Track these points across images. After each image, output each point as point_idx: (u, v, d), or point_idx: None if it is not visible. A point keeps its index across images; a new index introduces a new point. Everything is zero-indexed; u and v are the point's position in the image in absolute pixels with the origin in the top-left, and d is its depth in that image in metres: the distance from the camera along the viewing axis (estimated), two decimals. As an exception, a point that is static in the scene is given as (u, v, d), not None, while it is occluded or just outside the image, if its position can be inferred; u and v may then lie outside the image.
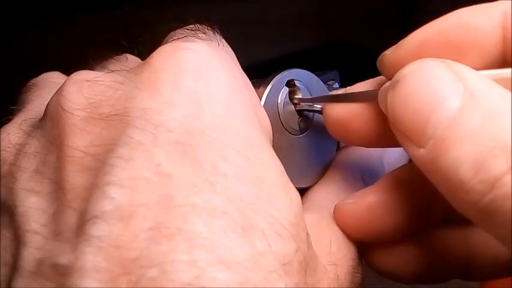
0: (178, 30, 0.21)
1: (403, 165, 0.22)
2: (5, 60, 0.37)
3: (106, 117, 0.18)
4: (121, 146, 0.17)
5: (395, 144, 0.19)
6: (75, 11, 0.37)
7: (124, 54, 0.23)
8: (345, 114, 0.22)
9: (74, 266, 0.16)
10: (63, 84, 0.19)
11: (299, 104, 0.25)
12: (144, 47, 0.21)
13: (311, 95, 0.25)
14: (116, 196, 0.16)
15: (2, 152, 0.20)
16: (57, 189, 0.17)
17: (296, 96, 0.25)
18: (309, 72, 0.26)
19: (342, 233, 0.22)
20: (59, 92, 0.19)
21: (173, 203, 0.16)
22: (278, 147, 0.22)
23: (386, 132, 0.20)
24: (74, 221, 0.16)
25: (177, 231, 0.16)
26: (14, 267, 0.17)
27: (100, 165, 0.17)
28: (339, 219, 0.22)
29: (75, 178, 0.17)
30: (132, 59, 0.23)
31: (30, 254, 0.17)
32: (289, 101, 0.25)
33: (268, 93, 0.24)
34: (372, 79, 0.23)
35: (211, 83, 0.19)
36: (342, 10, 0.45)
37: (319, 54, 0.43)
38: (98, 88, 0.19)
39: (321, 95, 0.26)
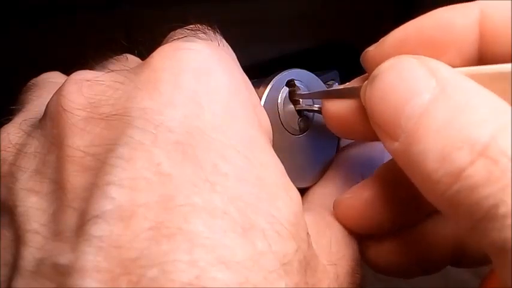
0: (179, 30, 0.22)
1: None
2: (5, 60, 0.36)
3: (106, 117, 0.18)
4: (121, 145, 0.17)
5: None
6: (75, 11, 0.37)
7: (124, 54, 0.23)
8: (344, 109, 0.22)
9: (74, 266, 0.16)
10: (63, 84, 0.19)
11: (299, 103, 0.25)
12: (144, 47, 0.21)
13: (311, 95, 0.25)
14: (116, 196, 0.16)
15: (2, 152, 0.20)
16: (57, 189, 0.17)
17: (296, 92, 0.25)
18: (309, 72, 0.26)
19: (342, 233, 0.22)
20: (59, 92, 0.19)
21: (173, 203, 0.16)
22: (278, 147, 0.22)
23: None
24: (74, 221, 0.16)
25: (178, 231, 0.16)
26: (14, 267, 0.17)
27: (100, 165, 0.17)
28: (338, 213, 0.23)
29: (75, 178, 0.17)
30: (132, 59, 0.23)
31: (31, 254, 0.17)
32: (289, 101, 0.25)
33: (268, 93, 0.24)
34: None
35: (211, 83, 0.19)
36: (342, 10, 0.45)
37: (319, 54, 0.43)
38: (98, 88, 0.19)
39: None
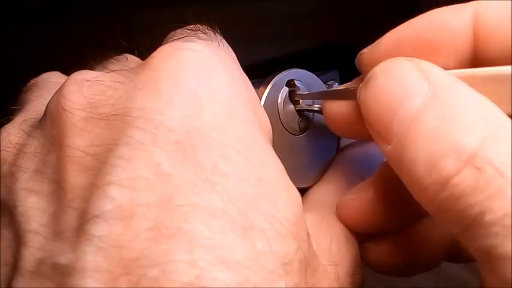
0: (179, 30, 0.22)
1: None
2: (5, 60, 0.36)
3: (106, 117, 0.18)
4: (121, 145, 0.17)
5: None
6: (75, 11, 0.37)
7: (124, 55, 0.23)
8: (344, 109, 0.22)
9: (75, 266, 0.16)
10: (63, 84, 0.19)
11: (299, 103, 0.25)
12: (145, 47, 0.21)
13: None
14: (116, 196, 0.16)
15: (2, 152, 0.20)
16: (57, 189, 0.17)
17: (296, 92, 0.25)
18: (309, 72, 0.26)
19: (342, 233, 0.22)
20: (59, 92, 0.19)
21: (173, 203, 0.16)
22: (278, 147, 0.22)
23: None
24: (74, 220, 0.16)
25: (178, 231, 0.16)
26: (15, 267, 0.17)
27: (100, 165, 0.17)
28: (342, 215, 0.23)
29: (75, 178, 0.17)
30: (132, 59, 0.23)
31: (31, 254, 0.17)
32: (289, 101, 0.25)
33: (268, 93, 0.24)
34: None
35: (211, 83, 0.19)
36: (342, 10, 0.45)
37: (319, 54, 0.43)
38: (98, 88, 0.19)
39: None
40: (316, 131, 0.26)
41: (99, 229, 0.16)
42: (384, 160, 0.23)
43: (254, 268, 0.16)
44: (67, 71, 0.22)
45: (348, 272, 0.21)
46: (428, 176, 0.16)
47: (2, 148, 0.20)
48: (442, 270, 0.24)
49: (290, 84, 0.25)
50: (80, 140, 0.18)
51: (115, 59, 0.23)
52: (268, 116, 0.22)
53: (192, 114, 0.18)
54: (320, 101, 0.24)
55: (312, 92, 0.25)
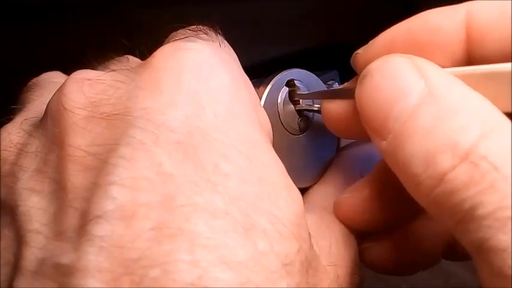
0: (180, 31, 0.22)
1: None
2: (5, 60, 0.36)
3: (107, 116, 0.18)
4: (123, 145, 0.17)
5: None
6: (75, 11, 0.37)
7: (125, 55, 0.23)
8: (343, 109, 0.22)
9: (76, 266, 0.16)
10: (64, 83, 0.19)
11: (299, 103, 0.25)
12: (146, 47, 0.21)
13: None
14: (117, 196, 0.16)
15: (3, 151, 0.20)
16: (59, 188, 0.17)
17: (296, 92, 0.25)
18: (309, 72, 0.26)
19: (342, 234, 0.22)
20: (60, 91, 0.19)
21: (175, 203, 0.16)
22: (278, 147, 0.22)
23: None
24: (76, 220, 0.16)
25: (179, 231, 0.16)
26: (16, 266, 0.17)
27: (101, 165, 0.17)
28: (338, 213, 0.23)
29: (77, 177, 0.17)
30: (133, 60, 0.23)
31: (32, 254, 0.17)
32: (289, 101, 0.25)
33: (268, 93, 0.24)
34: None
35: (212, 84, 0.19)
36: (342, 10, 0.45)
37: (319, 54, 0.43)
38: (99, 87, 0.19)
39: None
40: (316, 131, 0.26)
41: (100, 229, 0.16)
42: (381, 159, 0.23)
43: (256, 268, 0.16)
44: (67, 71, 0.22)
45: (348, 272, 0.21)
46: (424, 171, 0.17)
47: (2, 148, 0.20)
48: (442, 270, 0.24)
49: (290, 84, 0.25)
50: (81, 139, 0.18)
51: (116, 60, 0.23)
52: (268, 116, 0.22)
53: (194, 114, 0.18)
54: (320, 100, 0.24)
55: (311, 92, 0.25)
